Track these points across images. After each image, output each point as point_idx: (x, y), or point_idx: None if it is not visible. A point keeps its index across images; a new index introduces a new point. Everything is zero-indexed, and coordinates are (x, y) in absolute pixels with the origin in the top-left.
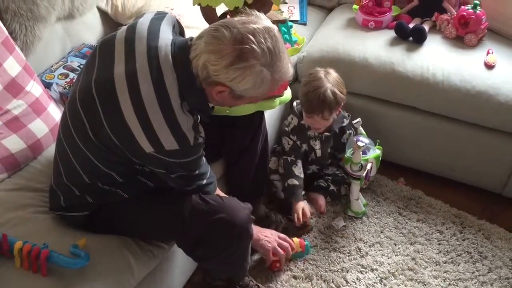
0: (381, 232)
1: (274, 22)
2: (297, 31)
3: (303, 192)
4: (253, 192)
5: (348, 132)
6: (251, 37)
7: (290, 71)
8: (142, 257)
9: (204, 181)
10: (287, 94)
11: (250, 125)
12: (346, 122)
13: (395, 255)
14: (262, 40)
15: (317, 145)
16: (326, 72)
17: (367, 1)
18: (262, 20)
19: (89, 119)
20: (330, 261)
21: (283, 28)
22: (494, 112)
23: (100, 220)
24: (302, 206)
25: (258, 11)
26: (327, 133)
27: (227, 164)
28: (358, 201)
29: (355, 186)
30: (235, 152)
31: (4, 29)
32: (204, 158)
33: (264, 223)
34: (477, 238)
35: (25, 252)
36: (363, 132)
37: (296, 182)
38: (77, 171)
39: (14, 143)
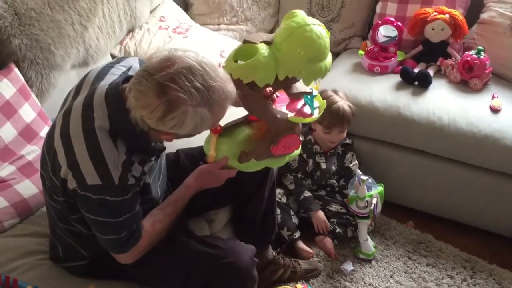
0: (391, 277)
1: (299, 94)
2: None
3: (298, 235)
4: (261, 239)
5: (350, 153)
6: (172, 85)
7: (229, 92)
8: None
9: (122, 234)
10: (296, 150)
11: (257, 172)
12: (348, 140)
13: None
14: (187, 83)
15: (322, 160)
16: (334, 91)
17: (372, 47)
18: (180, 59)
19: (42, 168)
20: None
21: (306, 98)
22: (501, 155)
23: (106, 268)
24: (322, 215)
25: (286, 84)
26: (331, 151)
27: (234, 211)
28: (368, 242)
29: (363, 226)
30: (243, 198)
31: (21, 76)
32: (136, 209)
33: (272, 267)
34: (488, 284)
35: None
36: (361, 173)
37: (309, 193)
38: (56, 221)
39: (26, 188)
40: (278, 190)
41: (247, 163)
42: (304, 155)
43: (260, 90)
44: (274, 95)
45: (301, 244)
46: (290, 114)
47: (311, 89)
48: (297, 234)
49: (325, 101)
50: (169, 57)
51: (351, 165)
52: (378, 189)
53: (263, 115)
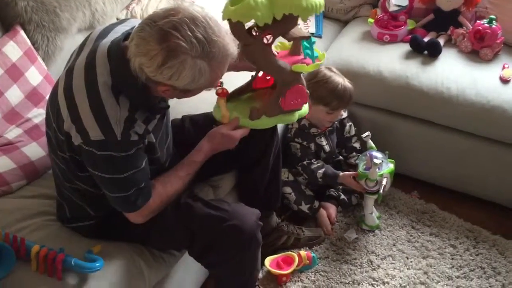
0: (394, 245)
1: (297, 38)
2: (317, 46)
3: (317, 204)
4: (265, 206)
5: (348, 124)
6: (174, 32)
7: (231, 50)
8: (154, 264)
9: (130, 192)
10: (305, 107)
11: (262, 139)
12: (344, 114)
13: (407, 269)
14: (189, 33)
15: (323, 141)
16: (329, 69)
17: (382, 15)
18: (185, 9)
19: (47, 127)
20: (341, 273)
21: (305, 43)
22: (509, 126)
23: (112, 229)
24: (347, 174)
25: (284, 26)
26: (329, 128)
27: (238, 176)
28: (372, 214)
29: (370, 201)
30: (247, 165)
31: (27, 39)
32: (142, 166)
33: (276, 234)
34: (491, 254)
35: (41, 256)
36: (373, 145)
37: (323, 168)
38: (62, 180)
39: (34, 151)
40: (283, 170)
41: (259, 120)
42: (304, 142)
43: (260, 38)
44: (275, 51)
45: (323, 214)
46: None
47: (310, 34)
48: (317, 204)
49: (324, 53)
50: (174, 7)
51: (363, 136)
52: (389, 168)
53: (266, 64)
